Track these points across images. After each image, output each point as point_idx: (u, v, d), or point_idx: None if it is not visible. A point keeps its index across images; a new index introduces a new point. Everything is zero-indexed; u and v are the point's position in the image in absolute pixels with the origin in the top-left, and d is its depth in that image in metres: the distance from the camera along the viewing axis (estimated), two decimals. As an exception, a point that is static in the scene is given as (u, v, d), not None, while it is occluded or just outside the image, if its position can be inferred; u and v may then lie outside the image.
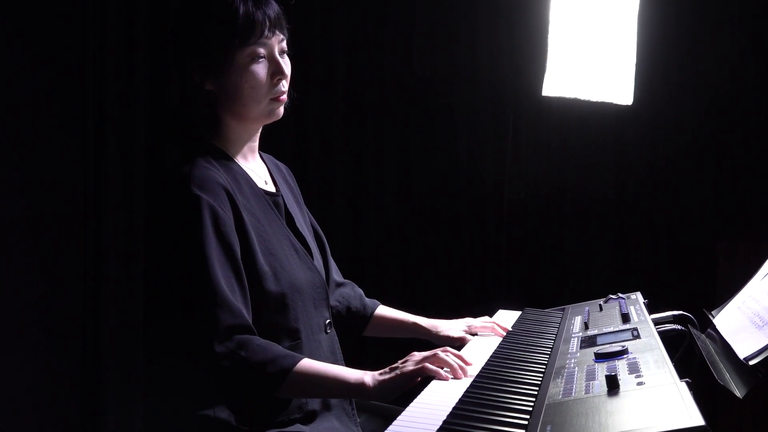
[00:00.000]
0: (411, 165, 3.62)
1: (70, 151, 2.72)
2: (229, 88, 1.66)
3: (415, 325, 2.00)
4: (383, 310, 2.03)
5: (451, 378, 1.54)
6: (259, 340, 1.53)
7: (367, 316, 2.00)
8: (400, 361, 1.56)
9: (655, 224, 4.08)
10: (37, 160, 2.63)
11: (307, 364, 1.54)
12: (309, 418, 1.67)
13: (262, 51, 1.65)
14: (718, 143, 4.20)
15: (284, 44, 1.71)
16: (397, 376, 1.52)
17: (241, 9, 1.61)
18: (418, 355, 1.56)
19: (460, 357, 1.59)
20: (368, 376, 1.54)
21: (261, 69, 1.66)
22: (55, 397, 2.65)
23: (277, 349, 1.54)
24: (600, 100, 3.24)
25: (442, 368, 1.54)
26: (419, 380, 1.52)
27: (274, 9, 1.67)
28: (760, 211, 4.16)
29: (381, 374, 1.53)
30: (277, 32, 1.67)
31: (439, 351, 1.57)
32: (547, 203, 3.88)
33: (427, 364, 1.52)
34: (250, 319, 1.55)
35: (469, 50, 3.69)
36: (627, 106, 3.30)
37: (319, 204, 3.30)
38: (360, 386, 1.53)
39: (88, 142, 2.76)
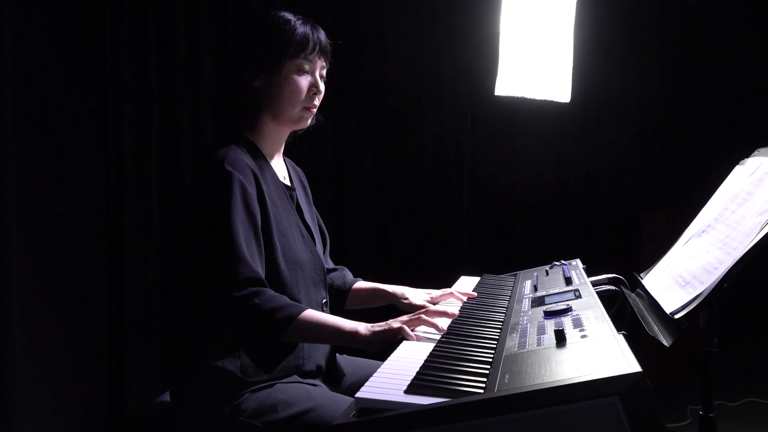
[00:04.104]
0: (385, 154, 3.58)
1: (93, 129, 2.65)
2: (274, 89, 1.68)
3: (385, 292, 1.97)
4: (360, 284, 2.01)
5: (428, 337, 1.52)
6: (270, 291, 1.52)
7: (346, 290, 1.98)
8: (390, 320, 1.55)
9: (589, 201, 4.11)
10: (64, 143, 2.56)
11: (310, 313, 1.53)
12: (305, 376, 1.64)
13: (307, 66, 1.69)
14: (641, 134, 4.23)
15: (324, 72, 1.75)
16: (384, 330, 1.51)
17: (300, 29, 1.67)
18: (404, 317, 1.57)
19: (442, 313, 1.59)
20: (362, 327, 1.53)
21: (303, 80, 1.69)
22: (83, 351, 2.60)
23: (285, 299, 1.54)
24: (542, 98, 3.23)
25: (413, 330, 1.53)
26: (399, 337, 1.52)
27: (324, 38, 1.73)
28: (676, 190, 4.20)
29: (372, 326, 1.53)
30: (322, 58, 1.72)
31: (422, 314, 1.57)
32: (500, 186, 3.88)
33: (404, 327, 1.51)
34: (263, 276, 1.54)
35: (432, 56, 3.66)
36: (565, 103, 3.29)
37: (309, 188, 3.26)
38: (354, 334, 1.52)
39: (108, 127, 2.71)
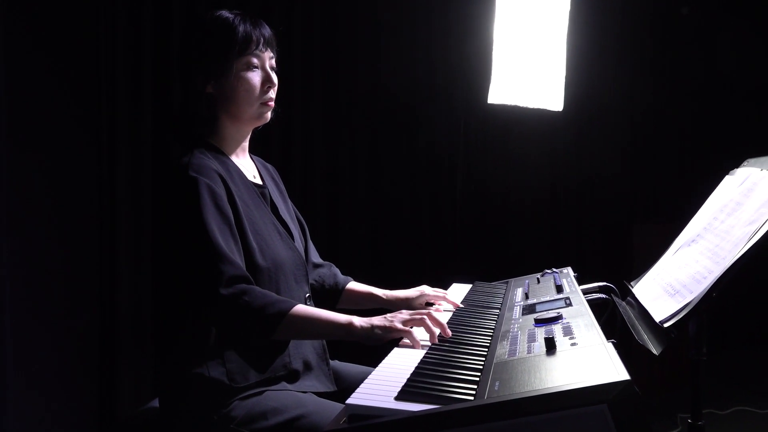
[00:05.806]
0: (379, 162, 3.59)
1: (86, 135, 2.66)
2: (227, 91, 1.65)
3: (377, 296, 1.96)
4: (353, 285, 1.99)
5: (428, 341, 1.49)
6: (258, 288, 1.50)
7: (339, 291, 1.96)
8: (389, 315, 1.52)
9: (582, 210, 4.12)
10: (57, 149, 2.56)
11: (302, 308, 1.51)
12: (292, 376, 1.63)
13: (256, 61, 1.67)
14: (633, 143, 4.25)
15: (273, 62, 1.72)
16: (385, 326, 1.48)
17: (241, 27, 1.64)
18: (406, 314, 1.52)
19: (441, 326, 1.53)
20: (357, 319, 1.50)
21: (255, 77, 1.67)
22: (75, 357, 2.59)
23: (274, 296, 1.51)
24: (535, 106, 3.24)
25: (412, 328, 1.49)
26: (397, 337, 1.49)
27: (267, 31, 1.70)
28: (668, 199, 4.22)
29: (370, 320, 1.50)
30: (269, 50, 1.70)
31: (425, 316, 1.51)
32: (493, 194, 3.89)
33: (412, 333, 1.47)
34: (247, 273, 1.52)
35: (426, 65, 3.67)
36: (558, 111, 3.31)
37: (302, 194, 3.27)
38: (348, 326, 1.49)
39: (102, 133, 2.72)
